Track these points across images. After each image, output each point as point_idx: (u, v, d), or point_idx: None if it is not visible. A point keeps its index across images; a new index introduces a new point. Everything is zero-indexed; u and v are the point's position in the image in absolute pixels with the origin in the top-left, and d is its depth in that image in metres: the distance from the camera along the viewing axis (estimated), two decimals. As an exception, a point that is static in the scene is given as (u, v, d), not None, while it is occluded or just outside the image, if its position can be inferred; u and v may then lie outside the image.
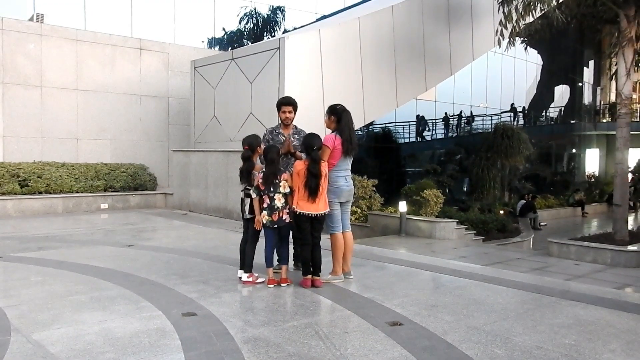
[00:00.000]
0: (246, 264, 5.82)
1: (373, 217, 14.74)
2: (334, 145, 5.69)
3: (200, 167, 13.28)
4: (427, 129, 22.96)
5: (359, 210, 14.75)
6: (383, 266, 7.05)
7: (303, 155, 5.98)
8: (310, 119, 11.25)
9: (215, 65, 13.77)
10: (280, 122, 6.30)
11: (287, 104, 6.19)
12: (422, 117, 22.48)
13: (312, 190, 5.43)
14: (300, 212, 5.52)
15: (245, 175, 5.72)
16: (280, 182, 5.58)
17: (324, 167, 5.56)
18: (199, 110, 14.45)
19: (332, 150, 5.68)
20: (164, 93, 16.82)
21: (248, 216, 5.79)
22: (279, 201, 5.56)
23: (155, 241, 8.94)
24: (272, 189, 5.55)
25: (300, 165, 5.57)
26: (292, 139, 6.20)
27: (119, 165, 14.77)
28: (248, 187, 5.75)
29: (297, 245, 6.33)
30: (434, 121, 23.17)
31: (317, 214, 5.53)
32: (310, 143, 5.55)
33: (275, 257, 5.89)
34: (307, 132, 6.40)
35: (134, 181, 14.38)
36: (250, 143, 5.77)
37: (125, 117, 16.04)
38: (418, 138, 22.70)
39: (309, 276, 5.62)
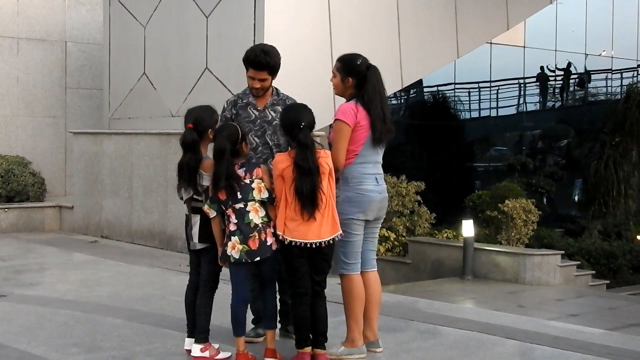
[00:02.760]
0: (198, 328, 5.85)
1: (417, 247, 14.74)
2: (356, 121, 5.72)
3: (120, 161, 13.33)
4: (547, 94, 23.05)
5: (392, 236, 14.78)
6: (434, 331, 7.02)
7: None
8: (310, 80, 11.29)
9: (145, -13, 13.84)
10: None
11: (257, 65, 6.07)
12: (544, 73, 22.54)
13: (307, 200, 5.44)
14: (289, 241, 5.52)
15: (187, 174, 5.76)
16: (251, 180, 5.63)
17: (326, 158, 5.56)
18: (117, 65, 14.48)
19: (354, 128, 5.71)
20: (57, 34, 16.87)
21: (198, 246, 5.83)
22: (255, 214, 5.57)
23: (43, 288, 8.90)
24: (238, 197, 5.62)
25: (282, 161, 5.52)
26: (272, 113, 6.22)
27: (-19, 158, 14.85)
28: (196, 196, 5.78)
29: (285, 295, 6.35)
30: (522, 82, 23.21)
31: (319, 243, 5.52)
32: (294, 118, 5.54)
33: (250, 316, 5.91)
34: (295, 99, 6.40)
35: (7, 185, 14.43)
36: (198, 119, 5.73)
37: (-9, 76, 16.11)
38: (540, 104, 22.67)
39: (308, 349, 5.64)
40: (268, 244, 5.53)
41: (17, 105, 16.37)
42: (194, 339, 5.83)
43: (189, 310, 5.93)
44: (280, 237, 5.49)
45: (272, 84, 6.32)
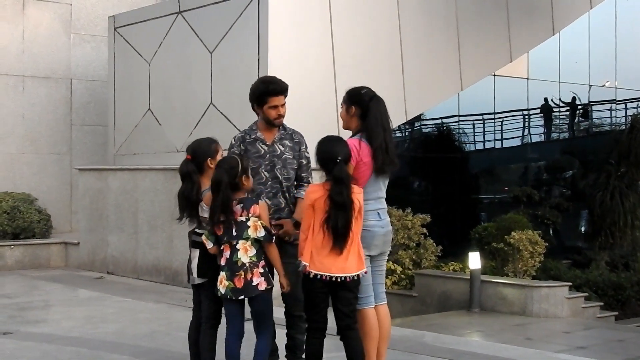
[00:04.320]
0: None
1: (423, 280, 14.70)
2: (359, 157, 5.71)
3: (125, 196, 13.35)
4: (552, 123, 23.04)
5: (398, 269, 14.75)
6: (441, 365, 7.03)
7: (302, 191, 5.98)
8: (313, 115, 11.32)
9: (149, 24, 13.93)
10: (260, 120, 6.33)
11: (279, 90, 6.16)
12: (548, 104, 22.55)
13: (341, 235, 5.39)
14: (314, 274, 5.43)
15: (184, 204, 5.74)
16: (247, 218, 5.61)
17: (358, 194, 5.53)
18: (122, 101, 14.56)
19: (356, 166, 5.70)
20: (62, 72, 16.99)
21: (197, 280, 5.81)
22: (244, 253, 5.55)
23: (48, 325, 8.91)
24: (234, 233, 5.59)
25: (315, 191, 5.50)
26: (280, 147, 6.25)
27: (-13, 195, 14.89)
28: (198, 229, 5.78)
29: (292, 330, 6.31)
30: (525, 113, 23.26)
31: (343, 277, 5.47)
32: (331, 152, 5.50)
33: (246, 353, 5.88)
34: (301, 133, 6.44)
35: (13, 223, 14.46)
36: (196, 150, 5.83)
37: (-4, 114, 16.19)
38: (544, 135, 22.62)
39: None
40: (254, 284, 5.52)
41: (23, 142, 16.43)
42: None
43: (192, 347, 5.93)
44: (305, 270, 5.43)
45: None
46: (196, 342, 5.88)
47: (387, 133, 5.80)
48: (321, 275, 5.40)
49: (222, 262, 5.56)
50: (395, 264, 14.64)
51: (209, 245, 5.61)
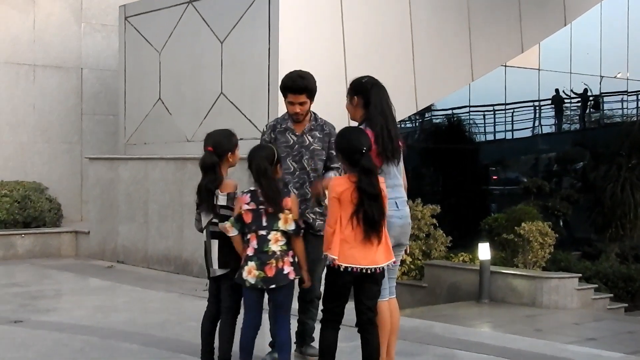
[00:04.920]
0: (221, 355, 5.74)
1: (433, 271, 14.72)
2: None
3: (135, 186, 13.38)
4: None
5: (408, 259, 14.76)
6: (451, 355, 7.01)
7: (332, 173, 5.99)
8: (324, 106, 11.30)
9: (160, 13, 13.93)
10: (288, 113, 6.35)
11: (296, 89, 6.17)
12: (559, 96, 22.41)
13: (376, 225, 5.32)
14: (344, 267, 5.33)
15: (206, 197, 5.72)
16: (280, 210, 5.56)
17: (382, 184, 5.46)
18: (133, 91, 14.58)
19: None
20: (73, 61, 17.00)
21: (218, 272, 5.77)
22: (275, 243, 5.53)
23: (59, 314, 8.96)
24: (264, 223, 5.56)
25: (341, 184, 5.41)
26: (309, 138, 6.25)
27: (-2, 184, 14.97)
28: (215, 220, 5.74)
29: (304, 315, 6.30)
30: (536, 104, 23.20)
31: (374, 269, 5.38)
32: (355, 144, 5.41)
33: (260, 343, 5.89)
34: (332, 125, 6.44)
35: (24, 212, 14.50)
36: (218, 142, 5.76)
37: (7, 102, 16.22)
38: (555, 127, 22.46)
39: None
40: (285, 272, 5.49)
41: (34, 132, 16.47)
42: None
43: (205, 337, 5.90)
44: (334, 263, 5.35)
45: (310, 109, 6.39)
46: (211, 333, 5.86)
47: (389, 119, 5.76)
48: (352, 268, 5.33)
49: (250, 252, 5.51)
50: (404, 255, 14.63)
51: (233, 232, 5.55)
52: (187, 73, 13.29)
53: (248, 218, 5.51)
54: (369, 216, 5.28)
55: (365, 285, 5.44)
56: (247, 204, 5.52)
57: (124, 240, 13.55)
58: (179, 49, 13.45)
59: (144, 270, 12.70)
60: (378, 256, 5.39)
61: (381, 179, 5.49)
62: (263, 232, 5.50)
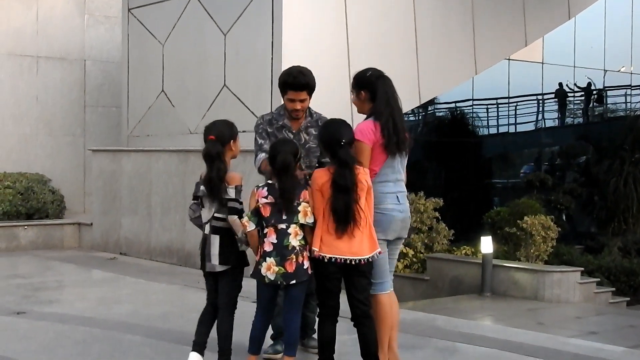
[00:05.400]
0: (222, 350, 5.66)
1: (435, 264, 14.71)
2: (375, 139, 5.66)
3: (138, 178, 13.39)
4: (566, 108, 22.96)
5: (410, 252, 14.75)
6: (453, 348, 7.01)
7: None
8: (327, 98, 11.29)
9: (163, 5, 13.91)
10: (285, 109, 6.27)
11: (297, 86, 6.08)
12: (563, 89, 22.44)
13: (342, 217, 5.33)
14: (328, 258, 5.37)
15: (216, 188, 5.56)
16: (298, 203, 5.48)
17: (364, 175, 5.50)
18: (136, 83, 14.57)
19: (373, 147, 5.66)
20: (76, 53, 17.00)
21: (218, 268, 5.67)
22: (295, 237, 5.46)
23: (62, 305, 8.96)
24: (283, 217, 5.46)
25: (321, 176, 5.45)
26: (305, 136, 6.21)
27: (0, 176, 14.96)
28: (218, 214, 5.62)
29: (306, 309, 6.26)
30: (540, 98, 23.18)
31: (358, 260, 5.40)
32: (335, 135, 5.46)
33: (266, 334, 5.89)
34: (327, 118, 6.43)
35: (27, 203, 14.52)
36: (220, 132, 5.68)
37: (10, 94, 16.23)
38: (558, 120, 22.52)
39: None
40: (305, 267, 5.43)
41: (37, 124, 16.49)
42: (200, 356, 5.71)
43: (202, 327, 5.82)
44: (316, 254, 5.39)
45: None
46: (208, 325, 5.80)
47: (396, 111, 5.72)
48: (335, 259, 5.35)
49: (268, 247, 5.43)
50: (407, 248, 14.63)
51: (251, 227, 5.47)
52: (191, 65, 13.29)
53: (266, 212, 5.45)
54: (334, 207, 5.31)
55: (354, 279, 5.46)
56: (265, 197, 5.46)
57: (126, 232, 13.57)
58: (182, 41, 13.44)
59: (147, 262, 12.72)
60: (362, 247, 5.39)
61: (364, 170, 5.48)
62: (283, 226, 5.43)
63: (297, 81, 6.07)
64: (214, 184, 5.55)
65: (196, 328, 5.83)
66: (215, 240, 5.65)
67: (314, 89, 6.21)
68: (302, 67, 6.18)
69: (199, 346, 5.76)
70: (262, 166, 6.08)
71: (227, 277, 5.67)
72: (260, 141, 6.26)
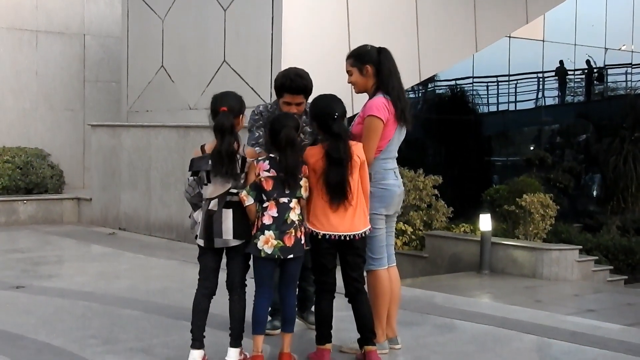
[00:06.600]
0: (235, 334, 5.39)
1: (434, 241, 14.73)
2: (388, 115, 5.65)
3: (138, 154, 13.39)
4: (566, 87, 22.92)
5: (409, 230, 14.78)
6: (451, 325, 7.03)
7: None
8: (327, 76, 11.24)
9: (163, -20, 13.88)
10: (279, 108, 6.04)
11: (295, 89, 5.85)
12: (563, 68, 22.38)
13: (336, 190, 5.30)
14: (316, 233, 5.38)
15: (228, 162, 5.28)
16: (301, 178, 5.38)
17: (358, 149, 5.47)
18: (136, 58, 14.54)
19: (386, 123, 5.63)
20: (76, 28, 16.94)
21: (232, 242, 5.37)
22: (294, 211, 5.38)
23: (61, 280, 8.98)
24: (286, 191, 5.36)
25: (313, 155, 5.39)
26: (301, 135, 6.14)
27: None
28: (234, 189, 5.37)
29: (305, 282, 6.22)
30: (540, 76, 23.12)
31: (352, 235, 5.40)
32: (328, 109, 5.43)
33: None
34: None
35: (26, 178, 14.52)
36: (232, 104, 5.40)
37: (10, 69, 16.20)
38: (558, 99, 22.50)
39: (329, 346, 5.52)
40: (302, 242, 5.37)
41: (36, 98, 16.46)
42: (202, 350, 5.44)
43: (199, 320, 5.48)
44: (309, 231, 5.39)
45: None
46: (207, 310, 5.51)
47: (400, 85, 5.76)
48: (330, 235, 5.36)
49: (267, 220, 5.30)
50: (406, 225, 14.66)
51: (249, 201, 5.31)
52: (191, 41, 13.25)
53: (269, 185, 5.31)
54: (328, 181, 5.29)
55: (347, 257, 5.48)
56: (267, 170, 5.33)
57: (126, 207, 13.58)
58: (182, 17, 13.40)
59: (146, 237, 12.75)
60: (356, 223, 5.39)
61: (358, 144, 5.46)
62: (285, 200, 5.34)
63: (295, 84, 5.86)
64: (225, 158, 5.28)
65: (192, 319, 5.50)
66: (228, 214, 5.38)
67: (310, 92, 5.97)
68: (299, 70, 5.96)
69: (200, 342, 5.44)
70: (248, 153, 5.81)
71: (238, 254, 5.44)
72: (257, 133, 6.14)
